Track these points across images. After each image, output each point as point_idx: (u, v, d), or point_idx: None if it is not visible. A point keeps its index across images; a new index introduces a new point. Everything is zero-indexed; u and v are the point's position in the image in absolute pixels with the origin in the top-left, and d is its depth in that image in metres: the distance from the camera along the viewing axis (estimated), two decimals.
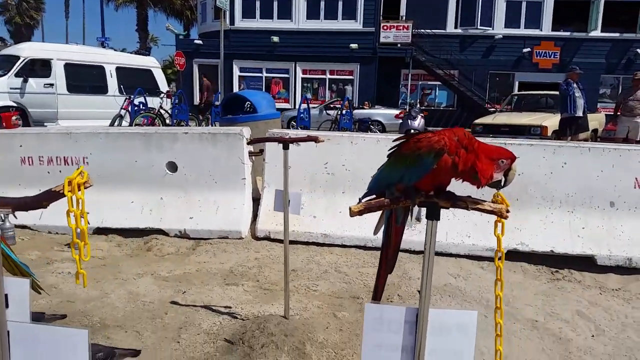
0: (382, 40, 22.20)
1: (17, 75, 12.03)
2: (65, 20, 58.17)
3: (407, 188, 1.54)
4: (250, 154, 4.38)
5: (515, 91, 20.37)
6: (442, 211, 4.47)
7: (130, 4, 37.19)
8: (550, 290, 3.54)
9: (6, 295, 1.36)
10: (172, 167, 4.52)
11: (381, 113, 16.84)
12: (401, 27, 21.86)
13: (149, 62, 15.71)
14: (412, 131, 10.78)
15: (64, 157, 4.60)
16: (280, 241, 4.36)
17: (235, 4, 23.16)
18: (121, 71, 14.32)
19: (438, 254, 4.11)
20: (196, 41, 24.12)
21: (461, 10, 22.37)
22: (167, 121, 12.88)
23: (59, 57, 12.75)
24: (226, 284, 3.55)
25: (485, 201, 1.52)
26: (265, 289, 3.51)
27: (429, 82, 23.59)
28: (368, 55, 22.40)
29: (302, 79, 23.45)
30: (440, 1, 22.44)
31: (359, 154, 4.30)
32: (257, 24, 23.20)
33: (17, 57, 12.28)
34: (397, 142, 1.58)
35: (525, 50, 21.83)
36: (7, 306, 1.37)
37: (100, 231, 4.56)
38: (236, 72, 23.50)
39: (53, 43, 14.96)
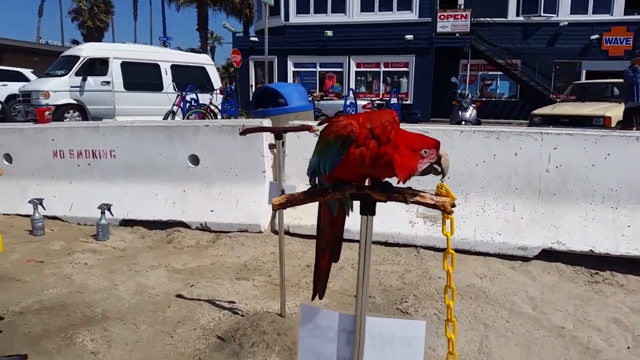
0: (439, 30, 21.55)
1: (77, 74, 12.63)
2: (133, 22, 60.83)
3: (329, 179, 1.36)
4: (271, 146, 4.27)
5: (583, 80, 19.14)
6: (470, 207, 4.16)
7: (191, 4, 38.29)
8: (587, 294, 3.18)
9: None
10: (195, 160, 4.48)
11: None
12: (459, 16, 21.11)
13: (203, 60, 16.05)
14: (463, 122, 10.35)
15: (92, 151, 4.68)
16: (299, 235, 4.24)
17: (289, 0, 23.25)
18: (176, 69, 14.71)
19: (465, 252, 3.83)
20: (252, 38, 24.42)
21: None
22: (218, 117, 13.08)
23: (115, 56, 13.25)
24: (237, 279, 3.46)
25: (427, 193, 1.30)
26: (275, 285, 3.38)
27: (490, 73, 22.67)
28: (424, 47, 21.80)
29: (356, 72, 23.19)
30: None
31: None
32: (311, 18, 23.16)
33: (77, 57, 12.89)
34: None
35: (593, 37, 20.45)
36: None
37: (126, 223, 4.61)
38: (290, 68, 23.59)
39: (111, 43, 15.63)
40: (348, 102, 11.80)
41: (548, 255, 3.62)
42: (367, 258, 1.30)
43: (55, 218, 4.72)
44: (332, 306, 3.07)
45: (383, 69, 23.02)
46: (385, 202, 1.31)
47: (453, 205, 1.27)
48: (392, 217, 4.02)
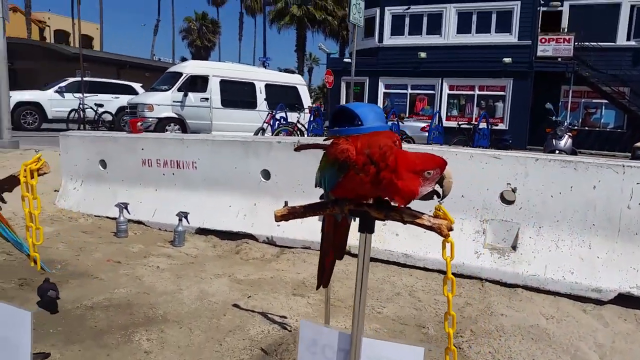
0: (539, 54, 20.64)
1: (179, 89, 13.57)
2: (238, 42, 64.29)
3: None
4: None
5: None
6: (543, 241, 3.95)
7: (291, 26, 39.80)
8: None
9: None
10: (266, 174, 4.65)
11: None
12: (562, 40, 20.07)
13: (296, 80, 16.62)
14: (557, 152, 9.77)
15: (177, 161, 5.00)
16: None
17: (385, 22, 23.46)
18: (270, 88, 15.34)
19: (534, 289, 3.61)
20: (345, 59, 24.85)
21: (636, 20, 19.79)
22: (304, 135, 13.43)
23: (214, 74, 14.09)
24: (293, 294, 3.51)
25: (425, 215, 1.27)
26: (329, 305, 3.39)
27: (594, 100, 21.25)
28: (523, 70, 20.96)
29: (449, 95, 22.75)
30: (609, 11, 20.12)
31: (450, 170, 3.98)
32: (405, 40, 23.18)
33: (180, 74, 13.86)
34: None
35: None
36: None
37: (201, 231, 4.86)
38: (381, 89, 23.67)
39: (211, 61, 16.67)
40: (433, 125, 11.61)
41: (626, 300, 3.32)
42: (365, 277, 1.29)
43: (139, 222, 5.09)
44: (382, 333, 3.02)
45: (477, 92, 22.41)
46: (383, 220, 1.31)
47: (450, 229, 1.24)
48: (456, 246, 3.88)
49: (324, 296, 3.52)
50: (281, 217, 1.41)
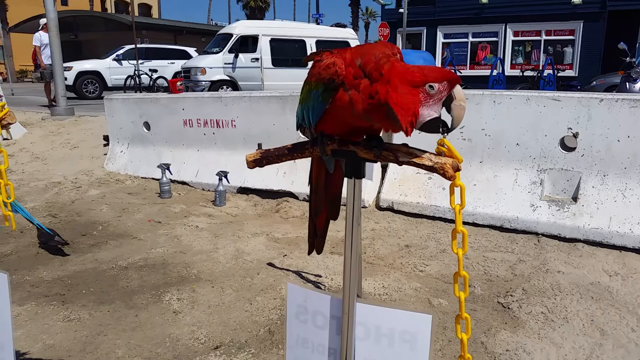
0: None
1: (230, 51, 13.46)
2: (292, 1, 63.24)
3: (316, 132, 1.13)
4: None
5: None
6: (608, 190, 3.56)
7: None
8: None
9: None
10: None
11: None
12: None
13: (347, 34, 16.06)
14: None
15: (216, 120, 4.90)
16: (404, 213, 3.99)
17: None
18: (320, 44, 14.91)
19: (596, 244, 3.26)
20: (400, 10, 23.78)
21: None
22: None
23: (264, 33, 13.83)
24: (330, 253, 3.36)
25: (425, 152, 1.01)
26: (368, 263, 3.21)
27: None
28: (595, 11, 19.17)
29: (513, 41, 21.31)
30: None
31: (503, 116, 3.61)
32: None
33: (231, 35, 13.71)
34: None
35: None
36: None
37: (242, 190, 4.78)
38: (440, 39, 22.54)
39: (261, 20, 16.42)
40: (495, 73, 10.88)
41: None
42: (356, 234, 1.08)
43: (184, 183, 5.08)
44: (422, 291, 2.81)
45: (544, 37, 20.81)
46: (374, 161, 1.07)
47: (457, 169, 0.97)
48: (509, 198, 3.57)
49: (364, 255, 3.35)
50: (253, 163, 1.21)
